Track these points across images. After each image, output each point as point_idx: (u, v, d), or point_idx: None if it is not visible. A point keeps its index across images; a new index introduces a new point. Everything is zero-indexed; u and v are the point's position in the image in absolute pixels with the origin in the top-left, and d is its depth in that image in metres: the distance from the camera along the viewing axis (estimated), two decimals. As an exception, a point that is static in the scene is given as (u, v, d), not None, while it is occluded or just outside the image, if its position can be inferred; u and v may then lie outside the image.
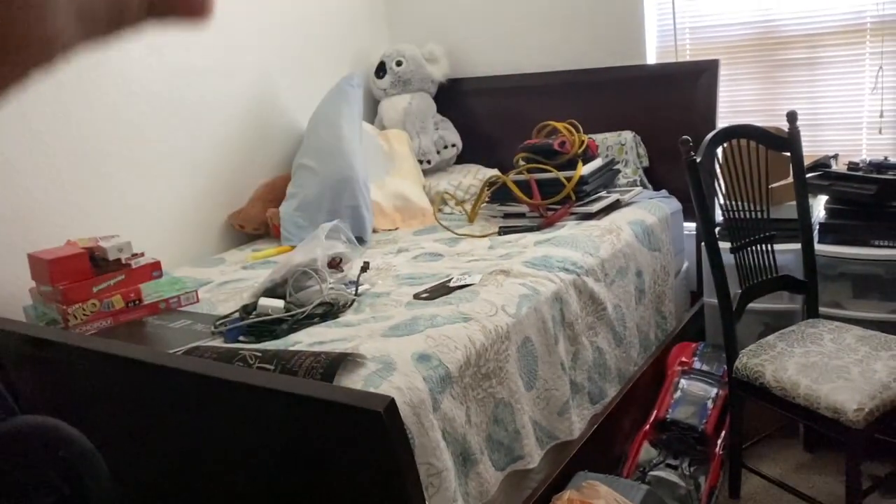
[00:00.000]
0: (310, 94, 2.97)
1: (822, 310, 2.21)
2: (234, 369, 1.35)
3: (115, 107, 2.34)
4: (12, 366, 1.69)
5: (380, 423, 1.11)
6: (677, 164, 2.04)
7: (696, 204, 2.00)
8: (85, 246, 1.95)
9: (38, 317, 1.95)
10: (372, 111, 3.28)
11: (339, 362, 1.40)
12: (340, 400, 1.16)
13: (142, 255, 2.01)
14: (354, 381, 1.39)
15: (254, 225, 2.70)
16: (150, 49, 2.43)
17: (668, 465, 2.11)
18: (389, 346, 1.52)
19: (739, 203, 2.09)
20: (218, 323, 1.79)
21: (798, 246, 2.18)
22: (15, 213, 2.10)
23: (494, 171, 2.96)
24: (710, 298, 2.42)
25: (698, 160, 1.97)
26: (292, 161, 2.79)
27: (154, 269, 2.01)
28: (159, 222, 2.48)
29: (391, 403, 1.12)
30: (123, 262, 1.95)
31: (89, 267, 1.91)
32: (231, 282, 2.22)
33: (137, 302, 1.97)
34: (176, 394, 1.38)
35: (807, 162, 2.35)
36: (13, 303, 2.05)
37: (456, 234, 2.53)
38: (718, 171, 2.06)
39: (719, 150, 2.11)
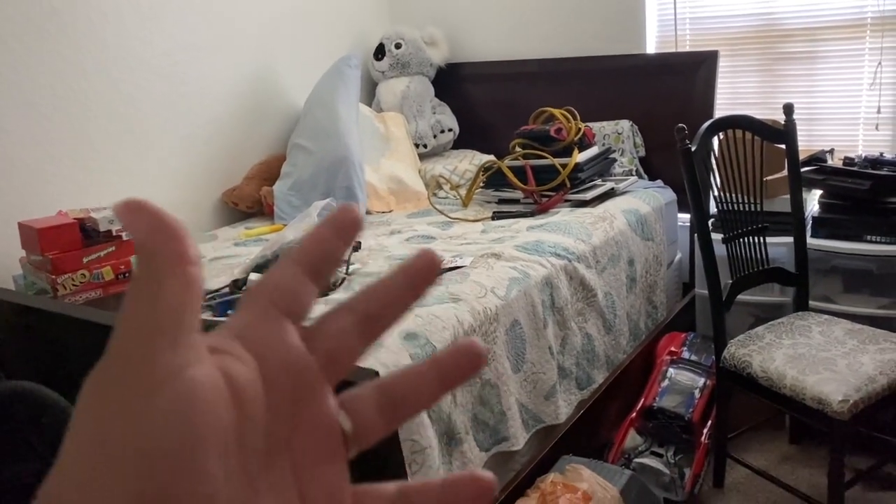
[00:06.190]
0: (307, 73, 2.96)
1: (812, 303, 2.21)
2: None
3: (113, 80, 2.33)
4: (1, 334, 1.68)
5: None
6: (673, 155, 2.04)
7: (689, 192, 2.00)
8: (76, 216, 1.94)
9: (27, 286, 1.95)
10: (370, 93, 3.26)
11: (326, 337, 1.40)
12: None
13: (133, 227, 2.00)
14: (341, 356, 1.39)
15: (248, 203, 2.70)
16: (149, 22, 2.42)
17: (654, 453, 2.12)
18: (377, 324, 1.52)
19: (734, 195, 2.09)
20: (208, 297, 1.79)
21: (791, 239, 2.18)
22: (8, 182, 2.09)
23: (490, 157, 2.95)
24: (702, 290, 2.43)
25: (693, 149, 1.97)
26: (287, 140, 2.78)
27: (145, 243, 2.00)
28: (153, 196, 2.46)
29: (374, 376, 1.12)
30: (114, 233, 1.95)
31: (80, 237, 1.90)
32: (223, 257, 2.22)
33: (128, 274, 1.96)
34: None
35: (803, 156, 2.34)
36: (3, 272, 2.05)
37: (450, 217, 2.53)
38: (714, 161, 2.06)
39: (715, 142, 2.11)
